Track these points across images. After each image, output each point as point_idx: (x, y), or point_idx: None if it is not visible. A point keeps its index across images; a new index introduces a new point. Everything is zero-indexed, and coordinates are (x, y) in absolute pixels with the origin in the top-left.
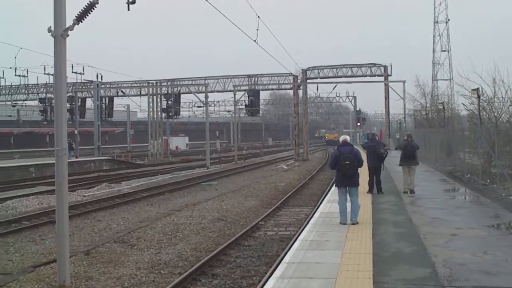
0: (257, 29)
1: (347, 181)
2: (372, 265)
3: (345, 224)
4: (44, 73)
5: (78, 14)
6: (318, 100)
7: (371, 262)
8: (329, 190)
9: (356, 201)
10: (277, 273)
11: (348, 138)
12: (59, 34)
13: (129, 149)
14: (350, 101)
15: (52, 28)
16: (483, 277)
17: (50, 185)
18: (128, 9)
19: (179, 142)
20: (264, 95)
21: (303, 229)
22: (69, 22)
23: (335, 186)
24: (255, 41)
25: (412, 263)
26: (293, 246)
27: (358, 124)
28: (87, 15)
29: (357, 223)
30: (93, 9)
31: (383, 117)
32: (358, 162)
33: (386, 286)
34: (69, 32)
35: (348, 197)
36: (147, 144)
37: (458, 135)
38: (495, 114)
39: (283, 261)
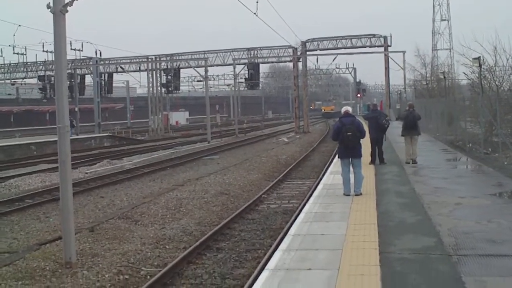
0: (257, 1)
1: (350, 153)
2: (378, 235)
3: (348, 195)
4: (43, 51)
5: None
6: (318, 72)
7: (377, 232)
8: (331, 162)
9: (359, 172)
10: (283, 245)
11: (350, 109)
12: (58, 10)
13: (129, 125)
14: (350, 73)
15: (51, 4)
16: (489, 245)
17: (51, 163)
18: None
19: (179, 117)
20: (263, 68)
21: (306, 201)
22: None
23: (338, 157)
24: (255, 13)
25: (417, 232)
26: (298, 219)
27: (358, 95)
28: None
29: (360, 194)
30: None
31: (383, 88)
32: (360, 133)
33: (392, 256)
34: (68, 8)
35: (351, 169)
36: (147, 120)
37: (459, 105)
38: (496, 82)
39: (288, 233)
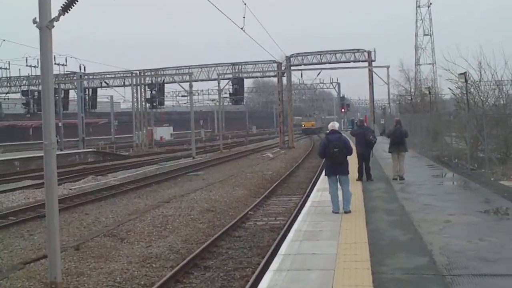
0: (244, 17)
1: (337, 169)
2: (369, 254)
3: (337, 213)
4: (26, 65)
5: (63, 4)
6: (302, 87)
7: (368, 251)
8: (317, 178)
9: (348, 190)
10: (274, 265)
11: (336, 125)
12: (45, 25)
13: (114, 140)
14: (334, 87)
15: (37, 20)
16: (482, 264)
17: (35, 179)
18: None
19: (164, 132)
20: (247, 83)
21: (294, 218)
22: (54, 12)
23: (325, 174)
24: (242, 28)
25: (409, 251)
26: (287, 237)
27: (343, 110)
28: (73, 5)
29: (349, 211)
30: None
31: (367, 102)
32: (347, 149)
33: (385, 276)
34: (55, 23)
35: (339, 186)
36: (131, 135)
37: (444, 120)
38: (482, 98)
39: (279, 252)
